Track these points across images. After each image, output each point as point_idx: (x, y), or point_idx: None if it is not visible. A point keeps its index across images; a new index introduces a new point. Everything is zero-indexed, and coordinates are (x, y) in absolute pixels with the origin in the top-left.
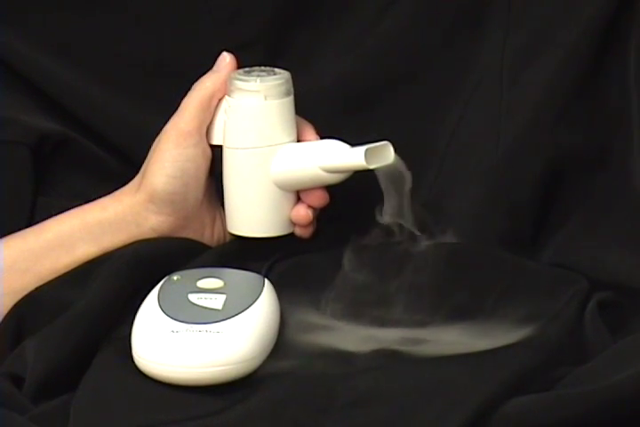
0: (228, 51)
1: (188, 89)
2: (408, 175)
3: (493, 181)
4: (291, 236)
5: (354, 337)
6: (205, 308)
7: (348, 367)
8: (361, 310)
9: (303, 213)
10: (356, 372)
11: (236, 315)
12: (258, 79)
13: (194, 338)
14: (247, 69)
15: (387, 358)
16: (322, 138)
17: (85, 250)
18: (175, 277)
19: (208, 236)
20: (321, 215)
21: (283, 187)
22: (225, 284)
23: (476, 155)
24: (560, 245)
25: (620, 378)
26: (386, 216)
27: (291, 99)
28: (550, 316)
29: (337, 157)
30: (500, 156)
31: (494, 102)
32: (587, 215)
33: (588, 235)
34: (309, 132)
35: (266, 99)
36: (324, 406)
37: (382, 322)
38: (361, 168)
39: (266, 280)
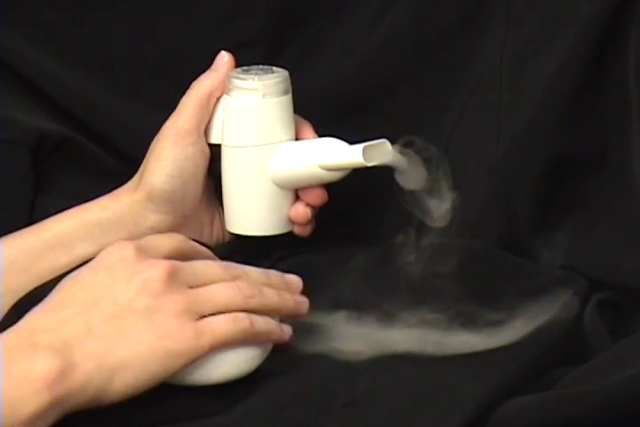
0: (227, 50)
1: (188, 89)
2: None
3: (493, 181)
4: (290, 234)
5: (354, 337)
6: None
7: (348, 368)
8: (361, 310)
9: (302, 211)
10: (356, 372)
11: None
12: (256, 77)
13: None
14: (245, 68)
15: (387, 359)
16: (320, 136)
17: (84, 249)
18: None
19: (207, 235)
20: (320, 214)
21: (281, 185)
22: None
23: (476, 155)
24: (560, 246)
25: (619, 378)
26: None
27: (289, 97)
28: (550, 316)
29: (335, 155)
30: (499, 156)
31: (494, 102)
32: (587, 215)
33: (588, 235)
34: (308, 130)
35: (264, 97)
36: (324, 406)
37: (382, 322)
38: (359, 166)
39: None
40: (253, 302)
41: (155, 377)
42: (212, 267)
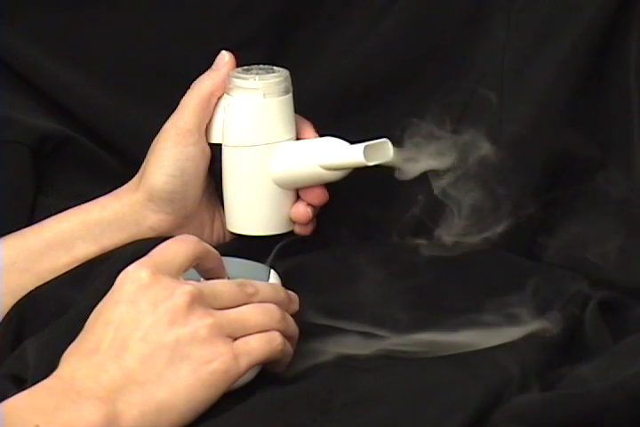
0: (227, 50)
1: (189, 89)
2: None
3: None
4: (290, 234)
5: (354, 337)
6: None
7: (347, 368)
8: (361, 310)
9: (303, 210)
10: (356, 372)
11: None
12: (257, 77)
13: None
14: (246, 68)
15: (387, 359)
16: (321, 136)
17: (85, 249)
18: None
19: (208, 235)
20: (321, 213)
21: (282, 185)
22: (230, 275)
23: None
24: (560, 245)
25: (620, 378)
26: None
27: (290, 97)
28: (550, 316)
29: (336, 155)
30: (500, 156)
31: (495, 102)
32: (587, 215)
33: (588, 235)
34: (308, 130)
35: (265, 96)
36: (324, 406)
37: (383, 322)
38: (360, 165)
39: (272, 271)
40: (281, 326)
41: (200, 407)
42: (229, 286)
